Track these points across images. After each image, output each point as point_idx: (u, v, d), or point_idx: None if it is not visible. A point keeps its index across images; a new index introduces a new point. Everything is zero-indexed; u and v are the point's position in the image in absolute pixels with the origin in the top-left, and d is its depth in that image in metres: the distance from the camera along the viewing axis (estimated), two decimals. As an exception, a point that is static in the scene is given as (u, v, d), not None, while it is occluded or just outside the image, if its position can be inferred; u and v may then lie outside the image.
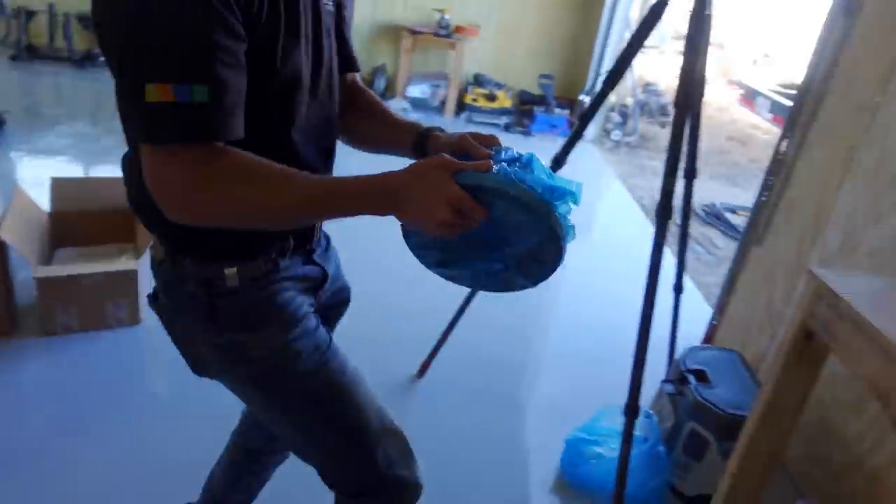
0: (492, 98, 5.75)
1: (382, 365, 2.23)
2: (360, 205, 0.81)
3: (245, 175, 0.78)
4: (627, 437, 1.59)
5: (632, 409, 1.58)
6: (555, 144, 1.89)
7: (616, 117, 5.90)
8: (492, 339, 2.54)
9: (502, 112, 5.78)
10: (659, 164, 4.42)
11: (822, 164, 2.11)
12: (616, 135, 5.86)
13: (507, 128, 5.67)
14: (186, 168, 0.75)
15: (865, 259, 1.79)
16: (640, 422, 1.67)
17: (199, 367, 1.01)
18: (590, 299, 3.06)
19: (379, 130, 1.10)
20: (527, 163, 0.84)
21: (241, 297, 0.94)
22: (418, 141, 1.03)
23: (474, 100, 5.76)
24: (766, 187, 2.37)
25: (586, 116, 1.86)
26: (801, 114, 2.23)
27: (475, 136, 0.94)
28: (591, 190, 4.43)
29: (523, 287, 0.95)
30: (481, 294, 2.08)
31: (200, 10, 0.71)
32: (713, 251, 3.93)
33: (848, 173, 1.93)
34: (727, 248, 3.94)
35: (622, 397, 1.58)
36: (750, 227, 2.47)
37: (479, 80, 5.91)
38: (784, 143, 2.29)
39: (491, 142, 0.94)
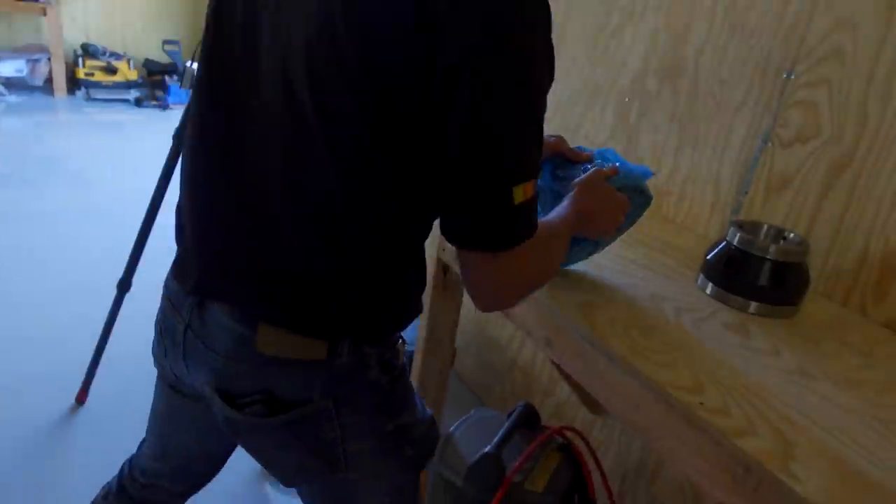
0: (112, 71, 5.06)
1: (28, 403, 1.85)
2: (573, 232, 0.86)
3: (545, 242, 0.77)
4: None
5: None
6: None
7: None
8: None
9: (129, 85, 5.15)
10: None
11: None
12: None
13: (138, 103, 5.05)
14: (528, 258, 0.71)
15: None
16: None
17: (333, 468, 0.83)
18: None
19: None
20: (608, 156, 0.99)
21: (403, 373, 0.87)
22: None
23: (90, 73, 4.99)
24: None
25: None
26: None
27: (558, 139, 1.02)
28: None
29: (604, 247, 1.04)
30: (142, 300, 1.83)
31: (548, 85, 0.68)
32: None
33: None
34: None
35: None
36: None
37: (89, 51, 5.10)
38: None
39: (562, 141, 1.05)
